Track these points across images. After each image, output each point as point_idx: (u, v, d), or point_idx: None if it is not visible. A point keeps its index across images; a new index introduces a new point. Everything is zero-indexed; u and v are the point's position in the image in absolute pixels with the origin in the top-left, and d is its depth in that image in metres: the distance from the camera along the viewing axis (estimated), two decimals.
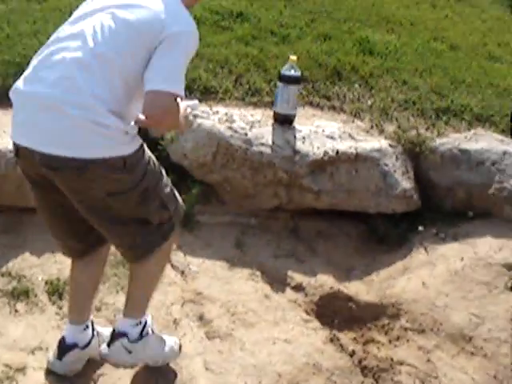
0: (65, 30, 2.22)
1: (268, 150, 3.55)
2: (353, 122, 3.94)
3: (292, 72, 3.62)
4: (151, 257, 2.41)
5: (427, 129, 3.94)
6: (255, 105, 3.94)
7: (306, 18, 5.11)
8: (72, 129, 2.07)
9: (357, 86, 4.26)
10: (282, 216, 3.72)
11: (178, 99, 2.14)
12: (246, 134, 3.59)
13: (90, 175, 2.12)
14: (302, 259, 3.51)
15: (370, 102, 4.11)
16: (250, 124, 3.66)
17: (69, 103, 2.06)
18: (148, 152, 2.36)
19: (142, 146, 2.29)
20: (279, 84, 3.64)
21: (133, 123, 2.20)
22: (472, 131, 3.97)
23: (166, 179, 2.44)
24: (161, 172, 2.42)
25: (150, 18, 2.14)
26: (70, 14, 2.32)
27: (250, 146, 3.55)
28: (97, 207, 2.25)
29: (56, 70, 2.10)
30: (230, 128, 3.59)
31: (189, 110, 2.58)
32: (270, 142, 3.58)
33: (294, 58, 3.63)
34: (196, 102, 2.73)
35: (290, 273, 3.38)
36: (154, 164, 2.37)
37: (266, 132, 3.64)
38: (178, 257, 3.32)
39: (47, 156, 2.09)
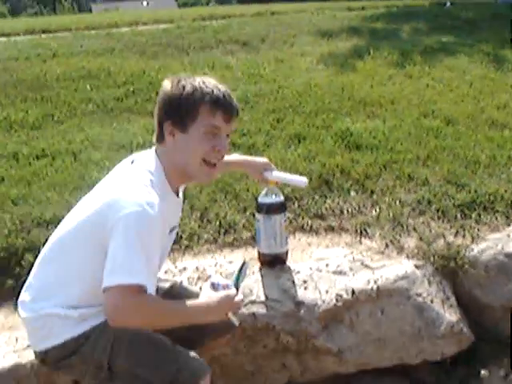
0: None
1: (262, 309, 2.62)
2: (360, 242, 3.03)
3: (273, 198, 2.70)
4: None
5: (456, 234, 3.05)
6: (231, 245, 3.03)
7: (271, 119, 4.27)
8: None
9: (353, 193, 3.37)
10: None
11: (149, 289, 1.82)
12: None
13: (48, 366, 2.07)
14: None
15: (375, 212, 3.21)
16: (230, 277, 2.73)
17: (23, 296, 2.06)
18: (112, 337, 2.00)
19: (94, 328, 1.96)
20: (258, 216, 2.72)
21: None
22: None
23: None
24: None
25: (103, 208, 1.90)
26: None
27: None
28: None
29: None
30: None
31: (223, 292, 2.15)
32: (263, 297, 2.65)
33: None
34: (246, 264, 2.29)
35: None
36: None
37: (253, 284, 2.70)
38: None
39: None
